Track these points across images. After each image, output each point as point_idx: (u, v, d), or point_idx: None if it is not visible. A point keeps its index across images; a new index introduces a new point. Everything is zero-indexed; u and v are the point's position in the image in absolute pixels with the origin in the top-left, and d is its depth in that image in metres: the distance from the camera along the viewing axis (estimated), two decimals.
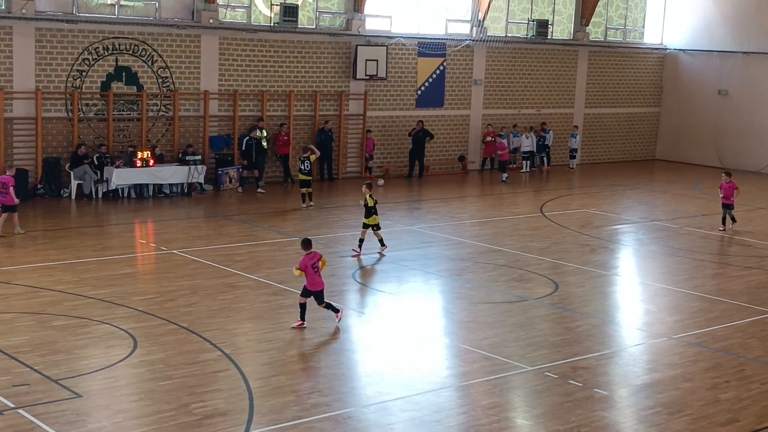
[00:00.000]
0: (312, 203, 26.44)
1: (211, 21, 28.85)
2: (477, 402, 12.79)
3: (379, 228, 21.25)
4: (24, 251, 20.19)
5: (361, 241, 21.10)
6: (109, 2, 27.54)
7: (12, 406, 11.71)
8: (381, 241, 21.22)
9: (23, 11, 25.58)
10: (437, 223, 25.26)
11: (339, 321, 15.74)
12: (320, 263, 15.46)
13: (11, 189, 21.35)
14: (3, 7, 25.63)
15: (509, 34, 36.20)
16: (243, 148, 29.16)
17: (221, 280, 18.29)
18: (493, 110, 36.11)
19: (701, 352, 15.29)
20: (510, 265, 20.59)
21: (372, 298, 18.05)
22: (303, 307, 15.54)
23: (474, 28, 34.88)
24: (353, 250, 21.01)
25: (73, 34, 26.67)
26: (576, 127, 38.10)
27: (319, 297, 15.56)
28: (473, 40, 34.81)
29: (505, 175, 32.96)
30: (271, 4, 30.05)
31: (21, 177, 25.47)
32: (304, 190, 26.43)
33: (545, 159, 36.97)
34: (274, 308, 16.68)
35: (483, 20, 34.87)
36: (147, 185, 27.25)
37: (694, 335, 16.13)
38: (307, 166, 26.12)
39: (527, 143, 35.95)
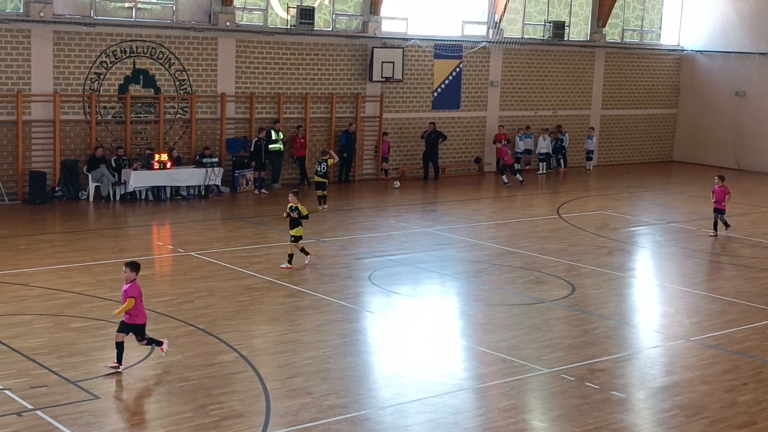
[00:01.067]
0: (326, 206, 26.43)
1: (227, 24, 28.94)
2: (494, 404, 12.78)
3: (300, 239, 19.74)
4: (42, 253, 20.30)
5: (291, 255, 19.66)
6: (126, 5, 27.67)
7: (30, 407, 11.77)
8: (303, 250, 19.85)
9: (41, 14, 25.73)
10: (453, 225, 25.25)
11: (165, 354, 13.68)
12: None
13: None
14: (21, 11, 25.78)
15: (526, 36, 36.15)
16: (252, 149, 29.25)
17: (238, 282, 18.34)
18: (510, 112, 36.07)
19: (719, 354, 15.23)
20: (527, 267, 20.56)
21: (388, 300, 18.05)
22: (122, 347, 13.23)
23: (490, 30, 34.85)
24: (284, 266, 19.53)
25: (91, 37, 26.81)
26: (592, 128, 38.01)
27: (142, 331, 13.45)
28: (489, 42, 34.78)
29: (505, 178, 32.66)
30: (288, 7, 30.11)
31: (38, 179, 25.66)
32: (319, 192, 26.46)
33: (562, 161, 36.89)
34: (290, 310, 16.71)
35: (499, 22, 34.84)
36: (164, 187, 27.35)
37: (711, 337, 16.07)
38: (324, 168, 26.18)
39: (543, 145, 35.90)
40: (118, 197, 26.74)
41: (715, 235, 24.45)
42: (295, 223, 19.65)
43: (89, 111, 26.97)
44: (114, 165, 26.77)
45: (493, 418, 12.24)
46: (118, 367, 13.12)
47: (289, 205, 19.71)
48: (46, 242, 21.53)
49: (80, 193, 26.71)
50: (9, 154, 25.85)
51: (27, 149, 26.17)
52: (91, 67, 26.92)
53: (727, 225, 24.66)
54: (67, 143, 26.80)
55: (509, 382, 13.55)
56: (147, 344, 13.55)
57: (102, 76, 27.14)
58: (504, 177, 32.54)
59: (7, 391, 12.18)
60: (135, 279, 13.32)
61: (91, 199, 26.53)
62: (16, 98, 25.64)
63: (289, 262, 19.45)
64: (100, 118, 27.23)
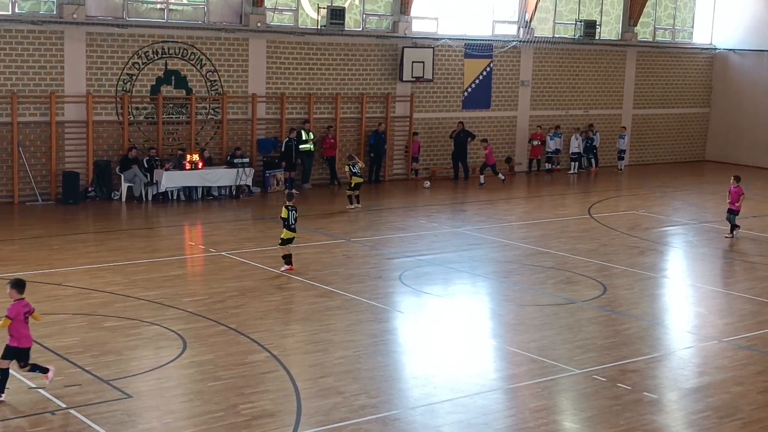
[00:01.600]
0: (359, 205, 26.49)
1: (258, 24, 29.05)
2: (525, 405, 12.75)
3: (286, 242, 19.31)
4: (75, 253, 20.48)
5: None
6: (158, 7, 27.84)
7: (64, 406, 11.88)
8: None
9: (74, 16, 25.95)
10: (484, 225, 25.20)
11: (50, 381, 12.37)
12: (33, 314, 12.29)
13: None
14: (54, 12, 26.02)
15: (556, 35, 36.01)
16: (282, 149, 29.34)
17: (269, 282, 18.41)
18: (541, 111, 35.94)
19: (752, 355, 15.10)
20: (558, 267, 20.48)
21: (419, 300, 18.05)
22: (6, 374, 12.08)
23: (521, 29, 34.74)
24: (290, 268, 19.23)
25: (123, 38, 27.00)
26: (624, 128, 37.79)
27: (26, 356, 12.24)
28: (520, 41, 34.68)
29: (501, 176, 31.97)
30: (318, 8, 30.18)
31: (71, 180, 25.89)
32: (351, 192, 26.50)
33: (593, 160, 36.71)
34: (321, 310, 16.74)
35: (530, 21, 34.72)
36: (196, 188, 27.50)
37: (744, 338, 15.93)
38: (357, 169, 26.32)
39: (575, 145, 35.75)
40: (150, 197, 26.91)
41: (732, 237, 23.99)
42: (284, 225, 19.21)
43: (122, 112, 27.17)
44: (146, 165, 26.96)
45: (525, 419, 12.21)
46: (2, 399, 11.96)
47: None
48: (79, 242, 21.71)
49: (113, 194, 26.91)
50: (43, 155, 26.10)
51: (60, 150, 26.41)
52: (124, 68, 27.11)
53: (736, 227, 24.08)
54: (100, 144, 27.01)
55: (540, 382, 13.51)
56: (30, 371, 12.27)
57: (134, 77, 27.33)
58: (481, 177, 31.70)
59: (41, 390, 12.30)
60: (21, 299, 12.08)
61: (123, 199, 26.72)
62: (50, 99, 25.88)
63: (288, 263, 19.13)
64: (132, 118, 27.42)
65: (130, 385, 12.74)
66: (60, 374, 12.93)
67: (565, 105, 36.67)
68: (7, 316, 11.91)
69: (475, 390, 13.10)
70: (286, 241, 19.27)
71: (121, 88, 27.13)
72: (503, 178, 31.85)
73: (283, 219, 19.23)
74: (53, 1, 26.06)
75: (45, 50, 25.83)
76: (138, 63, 27.35)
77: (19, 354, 12.09)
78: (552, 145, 35.69)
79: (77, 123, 26.60)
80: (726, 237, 24.03)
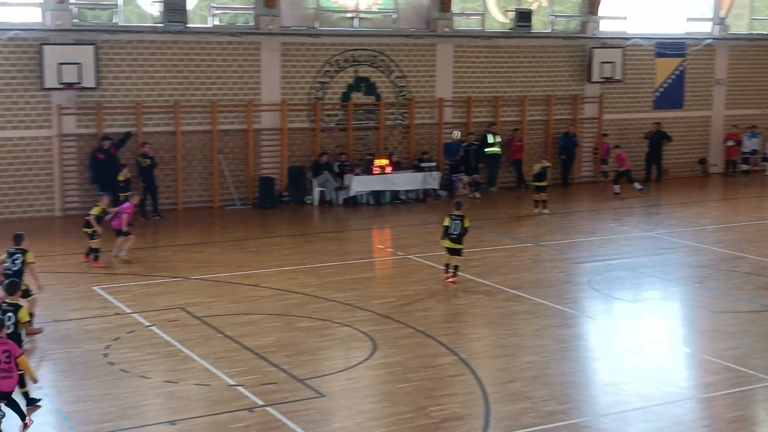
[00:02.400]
0: (546, 210, 26.23)
1: (446, 30, 29.29)
2: (720, 415, 12.36)
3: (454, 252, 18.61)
4: (270, 256, 21.27)
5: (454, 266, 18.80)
6: (348, 15, 28.53)
7: (261, 403, 12.38)
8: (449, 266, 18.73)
9: (270, 27, 26.94)
10: (677, 228, 24.51)
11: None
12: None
13: (124, 216, 20.13)
14: (252, 24, 27.09)
15: (753, 32, 34.57)
16: (462, 154, 29.40)
17: (456, 285, 18.53)
18: (737, 111, 34.60)
19: None
20: (756, 273, 19.69)
21: (609, 305, 17.76)
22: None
23: (715, 26, 33.57)
24: (450, 278, 18.71)
25: (316, 47, 27.82)
26: None
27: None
28: (715, 39, 33.51)
29: (639, 186, 29.60)
30: (505, 11, 30.15)
31: (267, 185, 26.88)
32: (538, 196, 26.32)
33: None
34: (508, 314, 16.74)
35: (725, 18, 33.50)
36: (384, 191, 27.99)
37: None
38: (543, 175, 26.13)
39: None
40: (340, 201, 27.59)
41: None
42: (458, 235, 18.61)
43: (314, 119, 27.99)
44: (337, 170, 27.67)
45: (720, 429, 11.85)
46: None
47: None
48: (274, 245, 22.53)
49: (305, 198, 27.75)
50: (241, 162, 27.21)
51: (257, 156, 27.46)
52: (316, 77, 27.93)
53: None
54: (294, 150, 27.91)
55: (737, 392, 13.05)
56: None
57: (326, 85, 28.11)
58: (615, 187, 29.26)
59: (240, 388, 12.87)
60: None
61: (315, 203, 27.51)
62: (247, 108, 26.96)
63: (454, 273, 18.63)
64: (323, 125, 28.21)
65: (323, 384, 13.14)
66: (258, 372, 13.48)
67: (763, 104, 35.13)
68: None
69: (667, 398, 12.79)
70: (450, 251, 18.55)
71: (313, 96, 27.96)
72: (641, 187, 29.64)
73: (444, 227, 18.54)
74: (250, 14, 27.14)
75: (243, 61, 26.93)
76: (330, 71, 28.11)
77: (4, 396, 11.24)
78: (749, 145, 34.31)
79: (272, 130, 27.59)
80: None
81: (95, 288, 17.97)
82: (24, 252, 15.00)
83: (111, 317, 16.12)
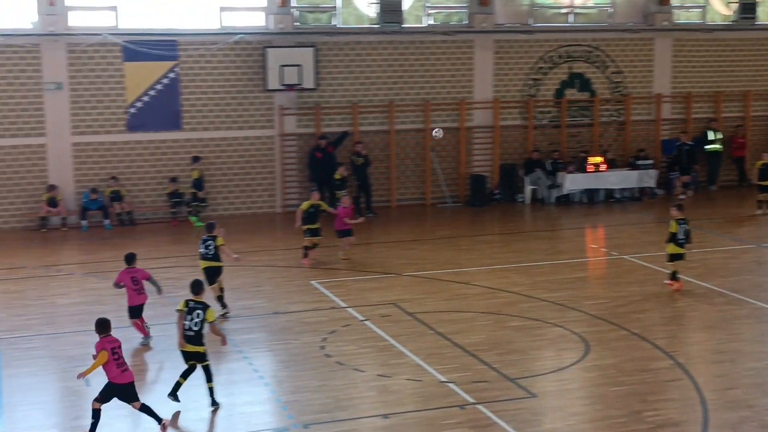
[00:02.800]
0: None
1: (664, 23, 28.44)
2: None
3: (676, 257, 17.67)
4: (482, 254, 21.34)
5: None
6: (563, 11, 28.20)
7: (472, 401, 12.46)
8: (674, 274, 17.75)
9: (483, 25, 27.02)
10: None
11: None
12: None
13: (344, 218, 20.26)
14: (465, 22, 27.25)
15: None
16: (675, 153, 28.38)
17: (673, 288, 17.96)
18: None
19: None
20: None
21: None
22: (98, 415, 11.37)
23: None
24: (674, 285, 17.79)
25: (529, 44, 27.67)
26: None
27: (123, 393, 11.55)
28: None
29: None
30: (728, 2, 28.96)
31: (478, 183, 26.98)
32: (762, 195, 25.09)
33: None
34: (728, 318, 16.10)
35: None
36: (598, 190, 27.49)
37: None
38: (766, 173, 24.90)
39: None
40: (552, 200, 27.32)
41: None
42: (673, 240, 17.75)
43: (526, 116, 27.86)
44: (549, 168, 27.41)
45: None
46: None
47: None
48: (485, 243, 22.59)
49: (517, 196, 27.65)
50: (453, 159, 27.44)
51: (468, 154, 27.60)
52: (529, 74, 27.78)
53: None
54: (505, 148, 27.88)
55: None
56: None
57: (539, 82, 27.91)
58: None
59: (451, 384, 13.00)
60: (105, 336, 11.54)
61: (527, 201, 27.37)
62: (459, 106, 27.15)
63: (673, 278, 17.77)
64: (536, 122, 28.02)
65: (534, 384, 13.08)
66: (469, 370, 13.58)
67: None
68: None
69: None
70: (674, 257, 17.84)
71: (525, 93, 27.83)
72: None
73: (671, 234, 17.67)
74: (464, 12, 27.31)
75: (456, 59, 27.13)
76: (543, 67, 27.89)
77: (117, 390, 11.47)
78: None
79: (484, 128, 27.66)
80: None
81: (313, 282, 18.61)
82: (215, 238, 16.43)
83: (327, 311, 16.66)
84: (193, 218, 24.63)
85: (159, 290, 15.20)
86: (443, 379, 13.21)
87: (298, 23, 26.04)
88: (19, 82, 24.10)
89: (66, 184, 24.59)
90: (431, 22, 27.11)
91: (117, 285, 14.99)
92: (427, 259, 20.68)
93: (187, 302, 12.51)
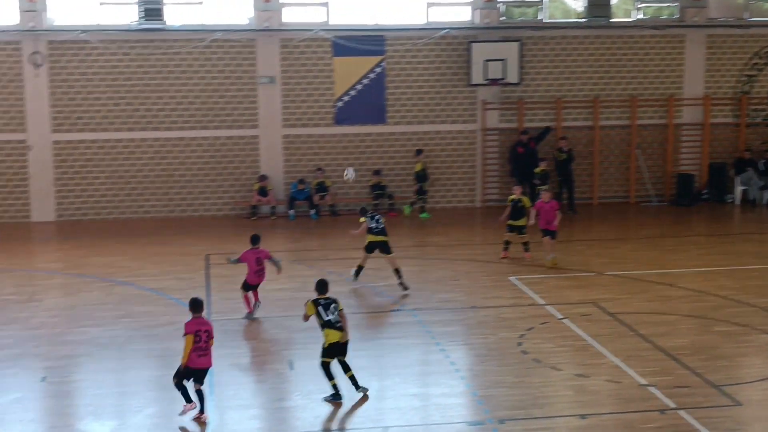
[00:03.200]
0: None
1: None
2: None
3: None
4: (688, 255, 20.72)
5: None
6: None
7: (673, 406, 12.14)
8: None
9: (695, 19, 26.17)
10: None
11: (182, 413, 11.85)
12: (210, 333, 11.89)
13: (555, 216, 19.48)
14: (676, 16, 26.48)
15: None
16: None
17: None
18: None
19: None
20: None
21: None
22: (200, 394, 11.79)
23: None
24: None
25: (744, 39, 26.59)
26: None
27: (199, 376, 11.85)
28: None
29: None
30: None
31: (686, 182, 26.19)
32: None
33: None
34: None
35: None
36: None
37: None
38: None
39: None
40: (765, 201, 26.17)
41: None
42: None
43: (738, 114, 26.79)
44: (762, 168, 26.28)
45: None
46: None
47: None
48: (691, 244, 21.91)
49: (726, 197, 26.66)
50: (659, 157, 26.74)
51: (675, 152, 26.82)
52: (743, 70, 26.70)
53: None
54: (715, 146, 26.94)
55: None
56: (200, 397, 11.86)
57: (753, 78, 26.78)
58: None
59: (651, 388, 12.72)
60: (197, 316, 11.88)
61: (737, 202, 26.35)
62: (668, 102, 26.41)
63: None
64: (749, 120, 26.91)
65: (739, 392, 12.61)
66: (670, 374, 13.24)
67: None
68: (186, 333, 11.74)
69: None
70: None
71: (738, 90, 26.76)
72: None
73: None
74: (676, 6, 26.53)
75: (665, 54, 26.42)
76: (758, 63, 26.75)
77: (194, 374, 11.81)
78: None
79: (693, 125, 26.81)
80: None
81: (511, 278, 18.60)
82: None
83: (525, 307, 16.62)
84: (406, 208, 25.55)
85: (279, 269, 16.22)
86: (643, 382, 12.94)
87: (503, 18, 26.03)
88: (235, 76, 25.26)
89: (276, 174, 25.58)
90: (640, 16, 26.49)
91: (239, 261, 15.98)
92: (629, 258, 20.27)
93: (316, 303, 12.61)
